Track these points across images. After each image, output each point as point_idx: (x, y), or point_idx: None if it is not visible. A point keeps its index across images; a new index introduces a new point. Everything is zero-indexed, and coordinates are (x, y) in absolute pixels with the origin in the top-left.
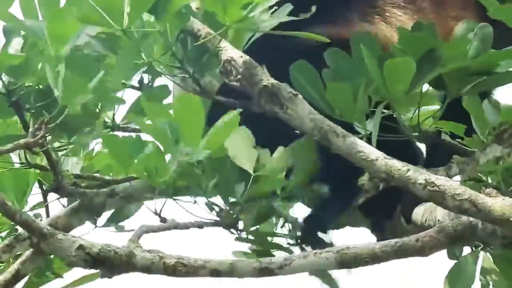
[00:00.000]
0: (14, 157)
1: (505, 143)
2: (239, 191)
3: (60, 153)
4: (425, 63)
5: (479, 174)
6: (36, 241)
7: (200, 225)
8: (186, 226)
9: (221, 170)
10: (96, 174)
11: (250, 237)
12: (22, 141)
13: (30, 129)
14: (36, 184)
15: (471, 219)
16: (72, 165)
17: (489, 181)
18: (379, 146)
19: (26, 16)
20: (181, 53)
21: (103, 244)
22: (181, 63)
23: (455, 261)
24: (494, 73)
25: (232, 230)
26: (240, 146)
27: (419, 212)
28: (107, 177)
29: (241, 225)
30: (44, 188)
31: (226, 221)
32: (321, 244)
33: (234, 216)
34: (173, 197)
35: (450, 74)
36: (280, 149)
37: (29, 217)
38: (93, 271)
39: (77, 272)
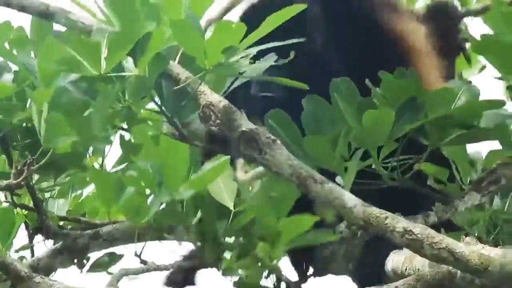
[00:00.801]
0: (1, 195)
1: (483, 191)
2: (221, 228)
3: (47, 194)
4: (406, 111)
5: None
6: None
7: (181, 267)
8: (166, 268)
9: (203, 207)
10: (81, 217)
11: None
12: (4, 182)
13: (13, 171)
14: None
15: (450, 267)
16: (59, 207)
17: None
18: (364, 193)
19: (18, 49)
20: (161, 97)
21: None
22: (160, 107)
23: None
24: (476, 127)
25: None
26: (220, 181)
27: (399, 260)
28: (91, 220)
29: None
30: (30, 230)
31: (208, 261)
32: None
33: (216, 255)
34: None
35: (432, 123)
36: (260, 182)
37: (6, 259)
38: None
39: None
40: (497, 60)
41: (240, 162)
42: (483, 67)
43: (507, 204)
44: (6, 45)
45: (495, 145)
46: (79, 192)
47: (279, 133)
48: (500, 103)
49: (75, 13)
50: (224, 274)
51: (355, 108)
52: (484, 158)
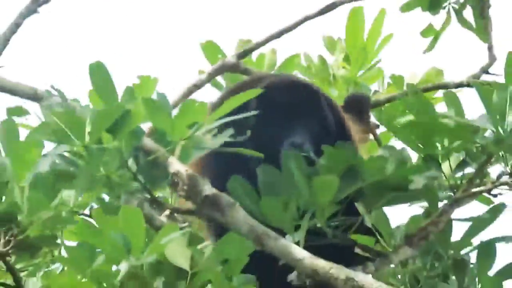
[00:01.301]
0: None
1: (415, 246)
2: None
3: (22, 273)
4: (346, 178)
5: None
6: None
7: None
8: None
9: (163, 271)
10: None
11: None
12: None
13: (1, 241)
14: None
15: None
16: (33, 284)
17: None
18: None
19: None
20: (135, 167)
21: None
22: (135, 175)
23: None
24: (407, 189)
25: None
26: (175, 247)
27: None
28: None
29: None
30: None
31: None
32: None
33: None
34: None
35: (369, 188)
36: (211, 246)
37: None
38: None
39: None
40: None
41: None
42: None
43: (428, 262)
44: None
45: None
46: (48, 269)
47: (240, 195)
48: (427, 167)
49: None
50: None
51: (304, 175)
52: (406, 223)
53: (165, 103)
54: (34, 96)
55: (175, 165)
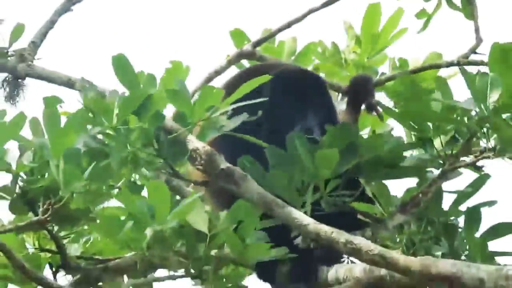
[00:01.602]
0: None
1: (407, 213)
2: (200, 249)
3: (64, 241)
4: (346, 153)
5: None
6: None
7: (173, 278)
8: (162, 279)
9: (184, 235)
10: (93, 256)
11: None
12: (34, 219)
13: (40, 209)
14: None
15: (381, 273)
16: (74, 250)
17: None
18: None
19: (34, 134)
20: (159, 144)
21: None
22: (158, 152)
23: None
24: (401, 166)
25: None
26: (195, 213)
27: (341, 271)
28: (101, 257)
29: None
30: (53, 269)
31: (193, 274)
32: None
33: (198, 269)
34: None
35: (367, 163)
36: (225, 212)
37: (43, 276)
38: None
39: None
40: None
41: None
42: (392, 129)
43: (422, 227)
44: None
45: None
46: (87, 238)
47: (249, 171)
48: (418, 144)
49: (90, 81)
50: (204, 284)
51: (307, 151)
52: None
53: (184, 89)
54: (68, 83)
55: (194, 143)
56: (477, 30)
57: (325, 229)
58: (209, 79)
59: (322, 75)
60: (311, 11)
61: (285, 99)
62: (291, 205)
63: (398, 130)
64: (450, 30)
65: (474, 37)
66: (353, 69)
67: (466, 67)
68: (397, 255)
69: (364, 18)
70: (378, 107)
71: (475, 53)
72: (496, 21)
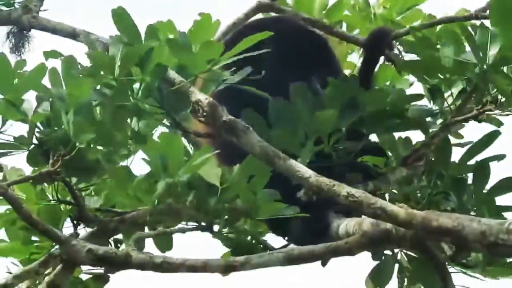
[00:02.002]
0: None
1: (409, 166)
2: (212, 201)
3: (84, 193)
4: (348, 108)
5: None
6: (65, 257)
7: (183, 231)
8: (171, 232)
9: (196, 188)
10: (110, 208)
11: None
12: (44, 170)
13: (50, 161)
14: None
15: (388, 226)
16: (93, 202)
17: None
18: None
19: (53, 85)
20: (161, 96)
21: (106, 248)
22: (160, 103)
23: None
24: (405, 117)
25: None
26: (208, 167)
27: (351, 225)
28: (119, 210)
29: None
30: (74, 220)
31: (203, 227)
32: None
33: (210, 221)
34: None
35: (370, 116)
36: (237, 166)
37: (49, 227)
38: None
39: None
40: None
41: None
42: (411, 84)
43: (432, 181)
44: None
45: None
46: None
47: (252, 125)
48: (420, 96)
49: (94, 33)
50: (214, 236)
51: (309, 106)
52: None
53: (186, 42)
54: (73, 34)
55: (197, 94)
56: None
57: (326, 182)
58: (226, 32)
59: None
60: None
61: (287, 59)
62: (294, 158)
63: (417, 84)
64: None
65: None
66: (381, 23)
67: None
68: (398, 208)
69: None
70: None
71: None
72: None
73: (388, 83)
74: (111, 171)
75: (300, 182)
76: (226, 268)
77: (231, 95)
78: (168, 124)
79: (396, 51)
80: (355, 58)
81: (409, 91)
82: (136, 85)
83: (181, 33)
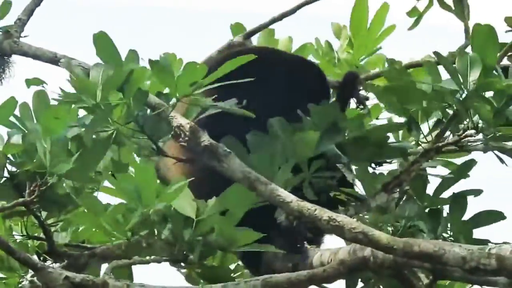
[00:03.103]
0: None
1: (389, 192)
2: (187, 233)
3: (52, 229)
4: (330, 133)
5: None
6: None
7: (159, 261)
8: (147, 262)
9: (171, 219)
10: (80, 244)
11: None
12: (20, 200)
13: (27, 191)
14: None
15: (365, 254)
16: (62, 238)
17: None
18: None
19: (23, 117)
20: (142, 121)
21: (83, 275)
22: (141, 128)
23: None
24: (386, 145)
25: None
26: (183, 199)
27: (326, 255)
28: (88, 245)
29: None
30: (41, 256)
31: (178, 258)
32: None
33: (184, 253)
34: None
35: (350, 143)
36: (214, 198)
37: (27, 255)
38: None
39: None
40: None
41: None
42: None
43: (407, 211)
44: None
45: None
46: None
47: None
48: (401, 125)
49: (76, 58)
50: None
51: (288, 133)
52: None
53: (168, 64)
54: (54, 59)
55: (178, 119)
56: (466, 31)
57: (308, 206)
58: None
59: None
60: (304, 4)
61: (279, 87)
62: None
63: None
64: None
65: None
66: (347, 68)
67: None
68: (379, 233)
69: (351, 15)
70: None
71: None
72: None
73: None
74: (84, 201)
75: (281, 207)
76: None
77: (213, 120)
78: (142, 153)
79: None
80: None
81: None
82: (117, 110)
83: (162, 57)
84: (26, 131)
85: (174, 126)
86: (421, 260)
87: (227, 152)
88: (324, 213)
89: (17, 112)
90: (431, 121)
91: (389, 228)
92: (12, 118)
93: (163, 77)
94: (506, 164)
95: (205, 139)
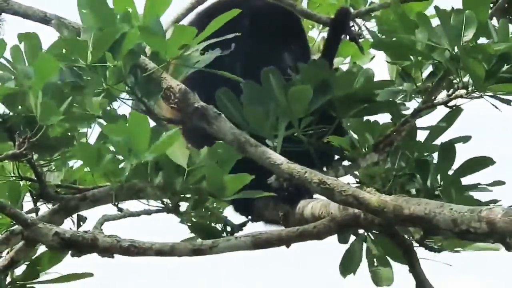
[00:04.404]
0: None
1: (380, 151)
2: (178, 183)
3: (45, 168)
4: (319, 91)
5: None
6: (26, 233)
7: (149, 213)
8: (138, 214)
9: (163, 169)
10: (71, 185)
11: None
12: (10, 152)
13: (16, 143)
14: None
15: (355, 211)
16: (54, 178)
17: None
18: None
19: (15, 61)
20: (133, 82)
21: (73, 230)
22: (132, 89)
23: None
24: (374, 101)
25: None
26: (175, 148)
27: (317, 207)
28: (80, 186)
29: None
30: (34, 196)
31: (170, 208)
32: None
33: (175, 203)
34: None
35: (339, 100)
36: (206, 148)
37: (17, 210)
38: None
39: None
40: (391, 52)
41: None
42: (373, 57)
43: (396, 163)
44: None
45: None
46: (70, 165)
47: (227, 106)
48: (390, 83)
49: (66, 18)
50: (181, 221)
51: (281, 88)
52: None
53: (159, 28)
54: (44, 19)
55: (168, 81)
56: None
57: (298, 169)
58: (191, 8)
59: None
60: None
61: (260, 36)
62: (265, 143)
63: (379, 59)
64: None
65: None
66: None
67: None
68: (370, 196)
69: None
70: (359, 39)
71: None
72: None
73: (348, 59)
74: (80, 150)
75: (271, 169)
76: (193, 252)
77: (203, 78)
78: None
79: (357, 30)
80: (315, 33)
81: (372, 67)
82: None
83: (153, 20)
84: (19, 73)
85: (165, 88)
86: (411, 223)
87: (217, 114)
88: (314, 176)
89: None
90: (425, 73)
91: (379, 182)
92: (3, 60)
93: (154, 41)
94: (500, 110)
95: (195, 101)
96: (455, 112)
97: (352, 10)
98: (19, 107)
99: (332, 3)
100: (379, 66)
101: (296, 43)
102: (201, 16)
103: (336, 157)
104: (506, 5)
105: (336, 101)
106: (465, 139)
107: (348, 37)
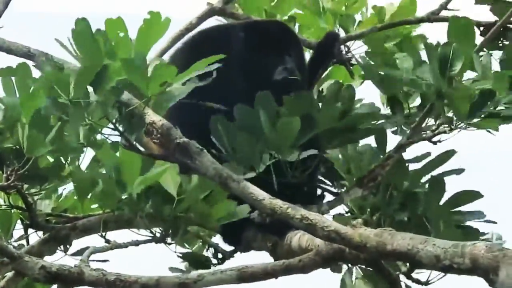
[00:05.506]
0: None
1: (364, 186)
2: (167, 211)
3: (36, 197)
4: (304, 124)
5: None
6: (12, 266)
7: (137, 244)
8: (125, 246)
9: (153, 198)
10: (62, 213)
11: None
12: None
13: (4, 175)
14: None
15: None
16: (45, 206)
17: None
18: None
19: (6, 93)
20: (116, 117)
21: (60, 264)
22: (114, 125)
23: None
24: (357, 129)
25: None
26: (168, 175)
27: (304, 239)
28: (71, 215)
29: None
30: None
31: (157, 238)
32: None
33: (164, 233)
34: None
35: (323, 133)
36: (196, 176)
37: (3, 244)
38: None
39: None
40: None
41: None
42: (363, 81)
43: (387, 196)
44: None
45: None
46: (60, 193)
47: (221, 133)
48: (378, 115)
49: (50, 54)
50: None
51: (271, 115)
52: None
53: (142, 63)
54: (27, 54)
55: (151, 116)
56: None
57: (280, 204)
58: (180, 36)
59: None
60: None
61: (262, 48)
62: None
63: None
64: None
65: None
66: (331, 18)
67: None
68: (352, 232)
69: None
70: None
71: (446, 9)
72: None
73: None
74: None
75: (253, 204)
76: (179, 285)
77: (187, 109)
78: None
79: (347, 54)
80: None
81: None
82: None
83: (137, 53)
84: (8, 105)
85: (147, 123)
86: (395, 258)
87: (200, 149)
88: (297, 212)
89: None
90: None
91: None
92: None
93: (135, 77)
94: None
95: (177, 136)
96: (449, 152)
97: (343, 33)
98: (9, 138)
99: (322, 27)
100: (370, 87)
101: (295, 56)
102: (185, 49)
103: (319, 191)
104: (501, 29)
105: (320, 134)
106: (458, 171)
107: (337, 61)
